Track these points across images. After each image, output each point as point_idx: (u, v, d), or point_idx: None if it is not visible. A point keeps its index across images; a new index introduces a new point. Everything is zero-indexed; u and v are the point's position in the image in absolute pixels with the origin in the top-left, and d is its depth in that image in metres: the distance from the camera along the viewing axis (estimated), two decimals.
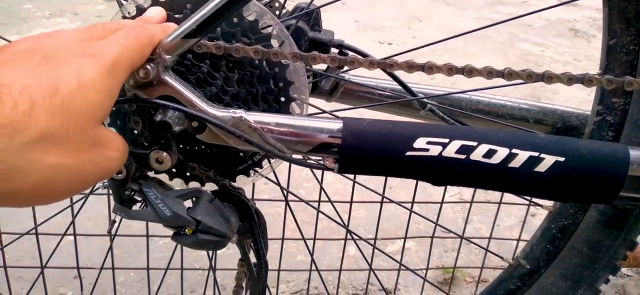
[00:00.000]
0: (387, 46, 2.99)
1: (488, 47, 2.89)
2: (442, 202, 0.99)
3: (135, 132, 0.60)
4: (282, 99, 0.60)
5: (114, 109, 0.52)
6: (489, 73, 0.55)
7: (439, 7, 3.68)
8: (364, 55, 0.70)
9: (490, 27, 0.69)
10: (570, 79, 0.55)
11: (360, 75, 0.78)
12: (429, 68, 0.55)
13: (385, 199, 0.89)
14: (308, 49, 0.71)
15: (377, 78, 0.79)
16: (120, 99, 0.52)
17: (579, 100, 2.37)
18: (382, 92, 0.75)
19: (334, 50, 0.72)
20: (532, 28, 3.23)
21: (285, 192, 0.77)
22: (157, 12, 0.54)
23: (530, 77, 0.56)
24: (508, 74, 0.56)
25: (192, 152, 0.61)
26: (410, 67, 0.55)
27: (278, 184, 0.73)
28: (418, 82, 0.77)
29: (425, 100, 0.70)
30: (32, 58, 0.36)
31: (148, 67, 0.50)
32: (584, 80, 0.55)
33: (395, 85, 0.74)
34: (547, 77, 0.56)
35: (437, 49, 2.88)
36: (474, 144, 0.52)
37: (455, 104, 0.74)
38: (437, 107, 0.72)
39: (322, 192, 0.87)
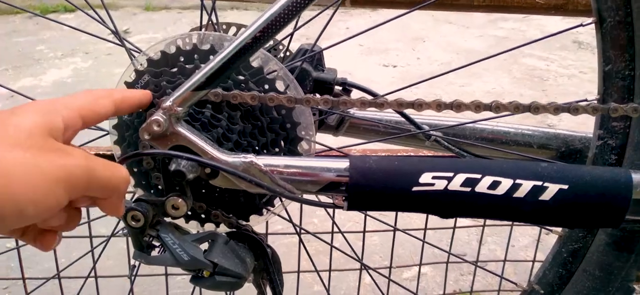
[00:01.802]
0: (392, 69, 3.02)
1: (492, 64, 2.91)
2: (454, 227, 1.00)
3: (150, 177, 0.62)
4: (289, 140, 0.62)
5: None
6: (497, 107, 0.57)
7: (441, 26, 3.71)
8: (368, 91, 0.72)
9: (510, 50, 0.70)
10: (575, 110, 0.57)
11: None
12: (437, 105, 0.56)
13: (398, 229, 0.90)
14: (313, 88, 0.73)
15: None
16: (129, 155, 0.55)
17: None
18: (387, 125, 0.77)
19: (338, 88, 0.74)
20: (535, 43, 3.25)
21: (297, 229, 0.78)
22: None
23: (536, 110, 0.58)
24: (515, 107, 0.57)
25: (206, 195, 0.63)
26: (419, 105, 0.56)
27: (290, 220, 0.75)
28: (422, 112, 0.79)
29: (430, 132, 0.71)
30: None
31: (160, 119, 0.52)
32: (589, 109, 0.57)
33: (399, 117, 0.76)
34: (554, 109, 0.57)
35: (442, 69, 2.91)
36: (478, 176, 0.54)
37: (460, 134, 0.76)
38: (442, 138, 0.73)
39: (334, 225, 0.88)
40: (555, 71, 2.89)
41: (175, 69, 0.57)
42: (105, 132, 0.74)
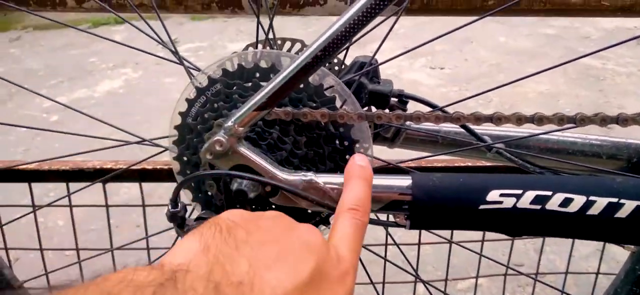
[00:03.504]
0: (439, 71, 2.97)
1: (545, 65, 2.81)
2: (513, 239, 0.96)
3: (209, 194, 0.63)
4: (348, 156, 0.61)
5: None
6: (560, 120, 0.54)
7: (488, 25, 3.62)
8: (426, 102, 0.71)
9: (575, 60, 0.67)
10: None
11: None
12: (497, 119, 0.54)
13: (453, 242, 0.87)
14: (368, 101, 0.72)
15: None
16: (191, 176, 0.55)
17: None
18: (445, 136, 0.75)
19: (394, 100, 0.73)
20: (590, 40, 3.12)
21: None
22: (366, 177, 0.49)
23: (603, 121, 0.55)
24: (580, 120, 0.54)
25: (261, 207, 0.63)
26: (478, 119, 0.55)
27: None
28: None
29: (493, 145, 0.69)
30: (304, 267, 0.34)
31: (222, 139, 0.53)
32: None
33: (458, 128, 0.74)
34: (623, 120, 0.54)
35: (491, 71, 2.84)
36: (549, 193, 0.51)
37: (523, 145, 0.73)
38: (504, 150, 0.71)
39: (389, 237, 0.87)
40: (613, 70, 2.77)
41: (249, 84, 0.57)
42: (164, 149, 0.76)
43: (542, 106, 2.40)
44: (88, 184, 0.76)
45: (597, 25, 3.40)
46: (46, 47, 4.32)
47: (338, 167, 0.61)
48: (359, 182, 0.47)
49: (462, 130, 0.73)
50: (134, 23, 0.69)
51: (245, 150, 0.53)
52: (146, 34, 0.66)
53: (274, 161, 0.56)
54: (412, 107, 0.70)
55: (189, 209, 0.64)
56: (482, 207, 0.51)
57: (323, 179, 0.53)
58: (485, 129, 0.75)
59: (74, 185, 0.87)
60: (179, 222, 0.57)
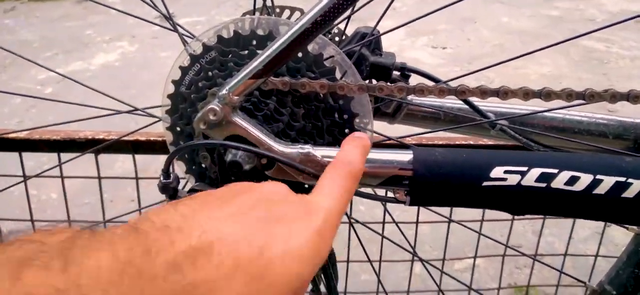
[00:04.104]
0: (441, 50, 2.93)
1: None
2: (512, 219, 0.95)
3: (203, 166, 0.60)
4: (347, 130, 0.59)
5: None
6: (569, 95, 0.52)
7: (491, 5, 3.57)
8: (429, 77, 0.68)
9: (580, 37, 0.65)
10: None
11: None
12: (503, 93, 0.52)
13: (452, 221, 0.86)
14: (369, 74, 0.69)
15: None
16: (184, 145, 0.53)
17: None
18: (448, 112, 0.73)
19: (396, 73, 0.70)
20: (594, 23, 3.08)
21: (350, 219, 0.75)
22: (363, 144, 0.48)
23: (613, 97, 0.52)
24: (590, 96, 0.52)
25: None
26: (484, 93, 0.53)
27: (347, 214, 0.72)
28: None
29: (497, 121, 0.67)
30: (252, 211, 0.34)
31: (216, 108, 0.50)
32: None
33: (461, 103, 0.72)
34: (634, 97, 0.52)
35: (494, 51, 2.80)
36: (555, 171, 0.49)
37: (527, 122, 0.71)
38: (508, 127, 0.68)
39: (387, 214, 0.85)
40: (617, 53, 2.73)
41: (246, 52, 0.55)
42: (157, 119, 0.73)
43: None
44: (79, 154, 0.74)
45: (601, 7, 3.35)
46: (41, 18, 4.25)
47: (336, 141, 0.59)
48: (353, 144, 0.47)
49: (465, 106, 0.70)
50: None
51: (240, 120, 0.51)
52: (143, 1, 0.63)
53: (271, 133, 0.54)
54: (415, 81, 0.68)
55: (183, 181, 0.62)
56: (485, 184, 0.49)
57: (321, 152, 0.51)
58: (488, 105, 0.73)
59: (66, 156, 0.85)
60: (171, 193, 0.55)
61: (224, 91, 0.50)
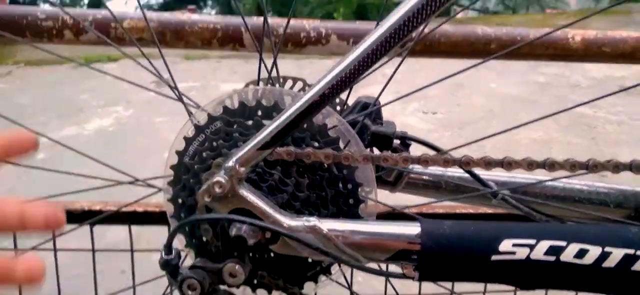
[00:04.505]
0: (432, 116, 2.98)
1: (537, 112, 2.83)
2: (515, 290, 0.93)
3: (204, 239, 0.59)
4: (351, 200, 0.59)
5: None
6: (572, 166, 0.52)
7: (480, 71, 3.66)
8: (429, 145, 0.69)
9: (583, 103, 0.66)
10: None
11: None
12: (508, 164, 0.52)
13: (456, 293, 0.84)
14: (370, 142, 0.70)
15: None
16: (187, 220, 0.52)
17: None
18: (449, 181, 0.72)
19: (397, 142, 0.71)
20: (580, 88, 3.16)
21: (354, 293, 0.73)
22: None
23: (616, 168, 0.53)
24: (593, 166, 0.53)
25: (260, 260, 0.60)
26: (488, 164, 0.53)
27: (349, 287, 0.70)
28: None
29: (499, 191, 0.66)
30: None
31: (222, 181, 0.50)
32: None
33: (462, 172, 0.72)
34: (636, 167, 0.52)
35: (484, 116, 2.86)
36: (563, 243, 0.49)
37: (529, 192, 0.71)
38: (510, 197, 0.68)
39: (389, 286, 0.83)
40: (604, 118, 2.79)
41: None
42: (156, 190, 0.72)
43: (535, 153, 2.40)
44: (75, 227, 0.72)
45: (586, 74, 3.46)
46: (37, 83, 4.30)
47: (341, 211, 0.59)
48: None
49: (466, 175, 0.71)
50: (132, 59, 0.67)
51: (246, 193, 0.51)
52: (146, 69, 0.64)
53: (276, 205, 0.53)
54: (415, 150, 0.68)
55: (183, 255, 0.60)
56: (494, 258, 0.48)
57: (327, 225, 0.50)
58: (489, 175, 0.73)
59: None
60: (172, 270, 0.53)
61: (231, 163, 0.50)
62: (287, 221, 0.50)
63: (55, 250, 0.84)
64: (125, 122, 3.37)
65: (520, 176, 0.72)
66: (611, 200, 0.71)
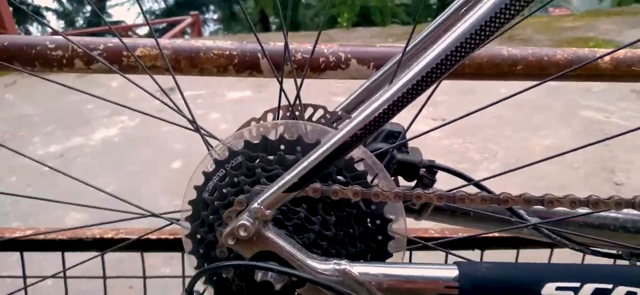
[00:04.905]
0: (441, 122, 2.95)
1: (550, 118, 2.80)
2: None
3: (224, 276, 0.56)
4: (380, 237, 0.56)
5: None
6: (617, 204, 0.49)
7: None
8: (457, 174, 0.66)
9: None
10: None
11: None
12: (549, 202, 0.49)
13: None
14: (396, 171, 0.67)
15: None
16: (211, 266, 0.49)
17: None
18: (477, 210, 0.69)
19: (423, 170, 0.68)
20: (591, 93, 3.12)
21: None
22: None
23: None
24: (639, 204, 0.50)
25: None
26: (528, 201, 0.50)
27: None
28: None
29: (533, 224, 0.63)
30: None
31: (247, 224, 0.47)
32: None
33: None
34: None
35: (495, 122, 2.81)
36: (609, 286, 0.47)
37: (561, 221, 0.68)
38: (543, 226, 0.65)
39: None
40: (616, 123, 2.75)
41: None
42: (170, 222, 0.70)
43: (548, 161, 2.36)
44: (86, 258, 0.70)
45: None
46: (43, 92, 4.28)
47: (369, 248, 0.56)
48: None
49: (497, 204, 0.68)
50: (148, 92, 0.65)
51: (273, 236, 0.48)
52: (162, 101, 0.61)
53: (302, 245, 0.50)
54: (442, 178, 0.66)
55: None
56: None
57: (358, 269, 0.48)
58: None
59: (69, 255, 0.81)
60: None
61: (256, 205, 0.47)
62: (316, 265, 0.48)
63: (65, 278, 0.82)
64: (131, 132, 3.35)
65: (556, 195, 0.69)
66: None
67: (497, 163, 2.37)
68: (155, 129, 3.29)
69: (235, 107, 3.63)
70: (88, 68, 0.68)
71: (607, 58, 0.75)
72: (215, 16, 15.22)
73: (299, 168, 0.46)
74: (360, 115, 0.44)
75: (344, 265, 0.48)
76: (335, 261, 0.48)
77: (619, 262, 0.69)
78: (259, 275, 0.47)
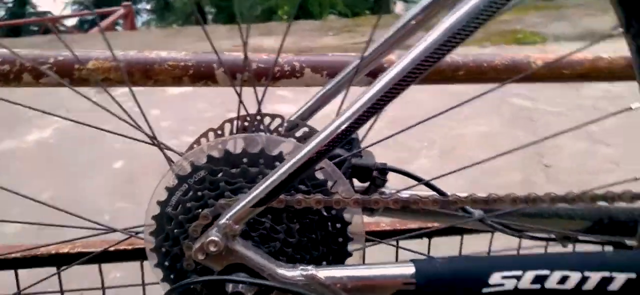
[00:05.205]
0: (382, 114, 3.03)
1: (482, 107, 2.94)
2: None
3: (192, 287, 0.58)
4: (340, 239, 0.59)
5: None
6: (552, 200, 0.55)
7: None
8: (410, 175, 0.70)
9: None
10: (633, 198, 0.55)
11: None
12: (493, 201, 0.54)
13: None
14: (350, 174, 0.70)
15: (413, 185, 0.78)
16: (181, 283, 0.51)
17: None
18: (425, 205, 0.74)
19: (375, 172, 0.72)
20: (518, 83, 3.30)
21: None
22: None
23: (593, 198, 0.56)
24: (571, 199, 0.56)
25: None
26: (475, 201, 0.54)
27: None
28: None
29: (477, 215, 0.69)
30: None
31: (217, 239, 0.49)
32: None
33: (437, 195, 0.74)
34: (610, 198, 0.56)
35: (431, 112, 2.90)
36: (547, 272, 0.52)
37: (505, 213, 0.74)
38: (486, 217, 0.71)
39: None
40: (544, 110, 2.94)
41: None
42: (128, 236, 0.70)
43: (482, 146, 2.50)
44: (43, 277, 0.69)
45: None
46: None
47: (331, 251, 0.59)
48: None
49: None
50: (102, 107, 0.64)
51: (241, 248, 0.50)
52: (117, 117, 0.61)
53: (268, 255, 0.53)
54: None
55: None
56: (485, 290, 0.51)
57: (324, 273, 0.51)
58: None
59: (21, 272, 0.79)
60: None
61: (224, 220, 0.49)
62: (285, 272, 0.50)
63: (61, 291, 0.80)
64: (67, 132, 3.20)
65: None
66: (576, 215, 0.76)
67: (436, 150, 2.48)
68: (91, 130, 3.17)
69: (176, 103, 3.55)
70: (37, 82, 0.67)
71: (539, 62, 0.82)
72: (149, 6, 14.70)
73: (266, 183, 0.48)
74: (324, 132, 0.47)
75: (311, 270, 0.51)
76: (301, 267, 0.51)
77: (553, 247, 0.76)
78: (230, 287, 0.49)
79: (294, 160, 0.48)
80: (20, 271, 0.80)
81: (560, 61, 0.79)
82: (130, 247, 0.81)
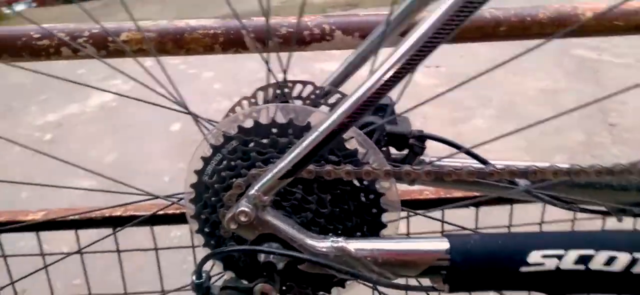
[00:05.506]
0: (435, 70, 2.94)
1: (542, 59, 2.79)
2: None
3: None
4: (374, 210, 0.58)
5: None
6: (598, 172, 0.51)
7: None
8: (448, 142, 0.67)
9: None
10: None
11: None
12: (532, 173, 0.51)
13: None
14: (387, 142, 0.69)
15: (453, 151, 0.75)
16: (216, 251, 0.52)
17: None
18: (459, 177, 0.72)
19: (412, 139, 0.70)
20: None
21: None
22: None
23: None
24: (619, 171, 0.52)
25: (289, 273, 0.60)
26: (513, 173, 0.52)
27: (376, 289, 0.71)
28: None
29: (525, 187, 0.66)
30: None
31: (247, 209, 0.49)
32: None
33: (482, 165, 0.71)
34: None
35: (488, 64, 2.78)
36: (592, 252, 0.49)
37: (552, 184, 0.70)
38: (533, 188, 0.68)
39: None
40: (609, 61, 2.75)
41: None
42: (172, 202, 0.72)
43: (543, 103, 2.37)
44: (101, 237, 0.73)
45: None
46: None
47: (364, 221, 0.58)
48: None
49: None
50: (139, 82, 0.66)
51: (272, 219, 0.50)
52: (153, 90, 0.62)
53: (300, 224, 0.53)
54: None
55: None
56: (523, 269, 0.49)
57: (355, 246, 0.50)
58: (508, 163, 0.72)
59: (84, 233, 0.84)
60: (204, 292, 0.54)
61: (254, 191, 0.49)
62: (315, 244, 0.50)
63: (81, 253, 0.85)
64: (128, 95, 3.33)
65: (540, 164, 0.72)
66: (632, 186, 0.71)
67: (492, 109, 2.39)
68: (149, 91, 3.28)
69: (228, 64, 3.60)
70: (76, 55, 0.69)
71: (589, 13, 0.75)
72: None
73: (292, 155, 0.48)
74: (350, 99, 0.46)
75: (341, 242, 0.50)
76: (332, 239, 0.51)
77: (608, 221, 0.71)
78: (262, 257, 0.50)
79: (318, 131, 0.47)
80: (80, 231, 0.85)
81: (612, 11, 0.73)
82: (178, 212, 0.84)
